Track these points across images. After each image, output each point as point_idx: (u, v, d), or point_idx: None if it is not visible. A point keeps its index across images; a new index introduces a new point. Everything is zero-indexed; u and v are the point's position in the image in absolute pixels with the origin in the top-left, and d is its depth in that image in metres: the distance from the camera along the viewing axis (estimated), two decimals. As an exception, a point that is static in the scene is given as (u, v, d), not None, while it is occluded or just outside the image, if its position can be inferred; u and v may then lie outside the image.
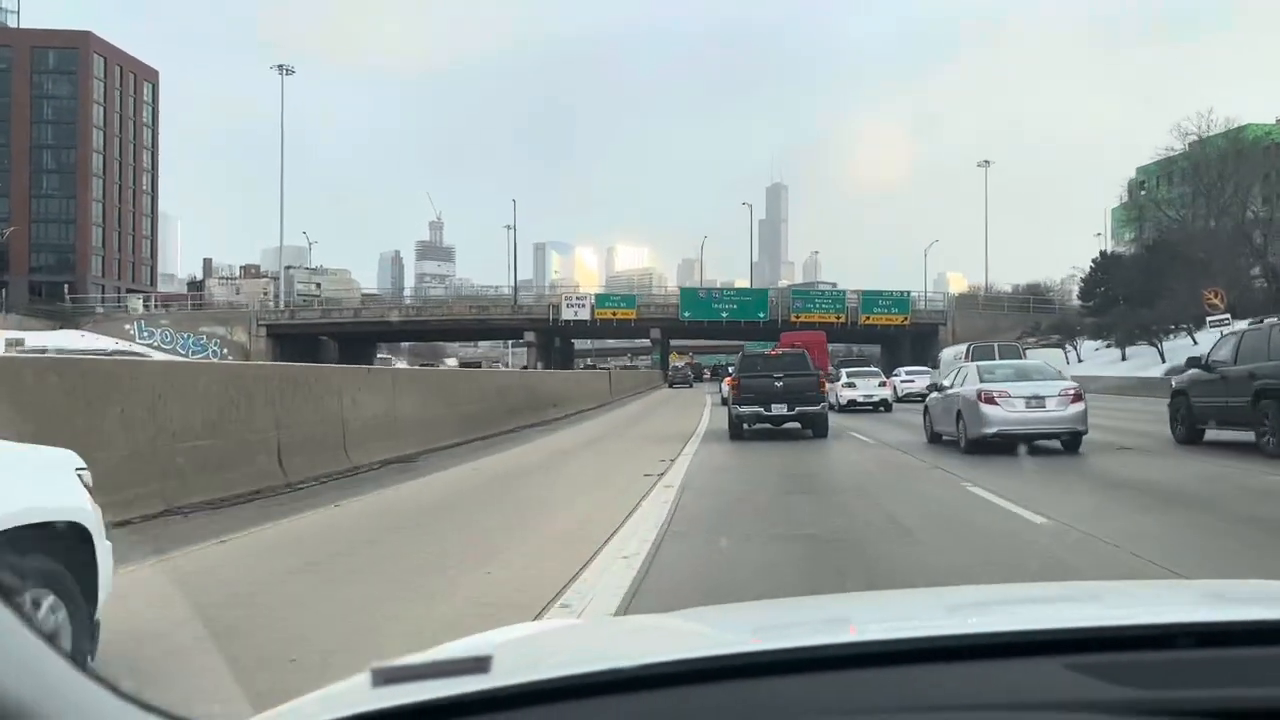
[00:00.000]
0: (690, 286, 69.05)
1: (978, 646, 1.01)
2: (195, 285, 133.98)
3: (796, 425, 16.93)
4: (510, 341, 78.97)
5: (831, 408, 29.11)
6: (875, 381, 29.69)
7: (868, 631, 1.27)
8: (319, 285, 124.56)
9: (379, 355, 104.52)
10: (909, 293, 68.12)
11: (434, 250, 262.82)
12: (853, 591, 3.93)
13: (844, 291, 67.32)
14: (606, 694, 0.94)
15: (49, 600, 2.81)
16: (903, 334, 68.05)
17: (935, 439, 16.35)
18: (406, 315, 62.75)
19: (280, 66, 77.17)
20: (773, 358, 18.27)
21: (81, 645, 2.92)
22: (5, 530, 2.67)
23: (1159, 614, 1.28)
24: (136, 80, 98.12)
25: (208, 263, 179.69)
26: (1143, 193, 76.31)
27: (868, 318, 66.24)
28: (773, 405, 16.29)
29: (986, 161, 78.15)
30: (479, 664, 0.97)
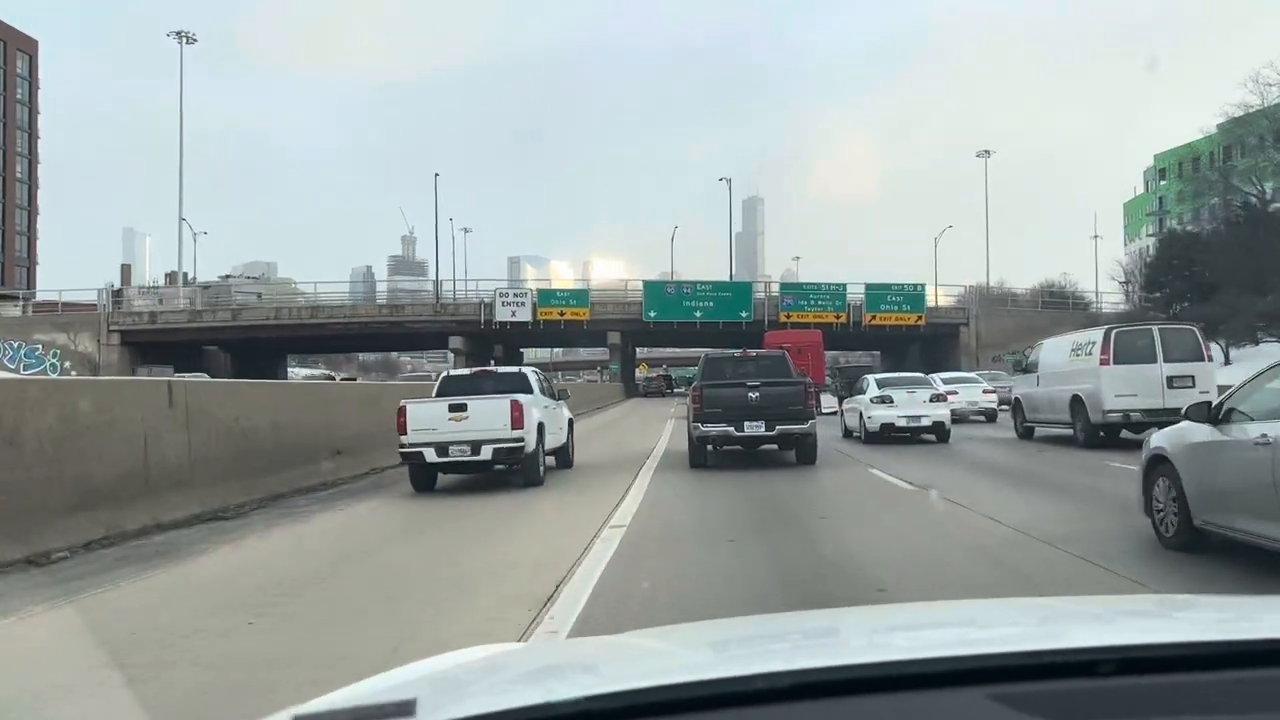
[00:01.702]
0: (656, 280, 59.09)
1: (899, 677, 1.03)
2: (114, 295, 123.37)
3: (774, 448, 14.77)
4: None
5: (850, 434, 20.60)
6: (924, 395, 20.02)
7: (794, 660, 1.25)
8: (260, 295, 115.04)
9: (291, 368, 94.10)
10: (922, 286, 58.65)
11: (407, 265, 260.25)
12: (789, 612, 3.34)
13: (844, 285, 57.66)
14: None
15: (570, 436, 14.48)
16: (911, 337, 58.62)
17: (1191, 535, 6.77)
18: (300, 319, 52.38)
19: (179, 34, 67.63)
20: (745, 361, 15.46)
21: (572, 453, 14.57)
22: (568, 420, 14.75)
23: (1085, 637, 1.32)
24: (7, 49, 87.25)
25: (126, 269, 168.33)
26: (1168, 174, 67.56)
27: (873, 317, 56.66)
28: (746, 423, 13.68)
29: (987, 151, 69.66)
30: (402, 708, 1.00)
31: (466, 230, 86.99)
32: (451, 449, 11.38)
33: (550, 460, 13.51)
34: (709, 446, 14.07)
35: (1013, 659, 1.08)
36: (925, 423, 19.31)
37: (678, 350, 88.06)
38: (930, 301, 58.97)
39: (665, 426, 25.11)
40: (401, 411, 11.53)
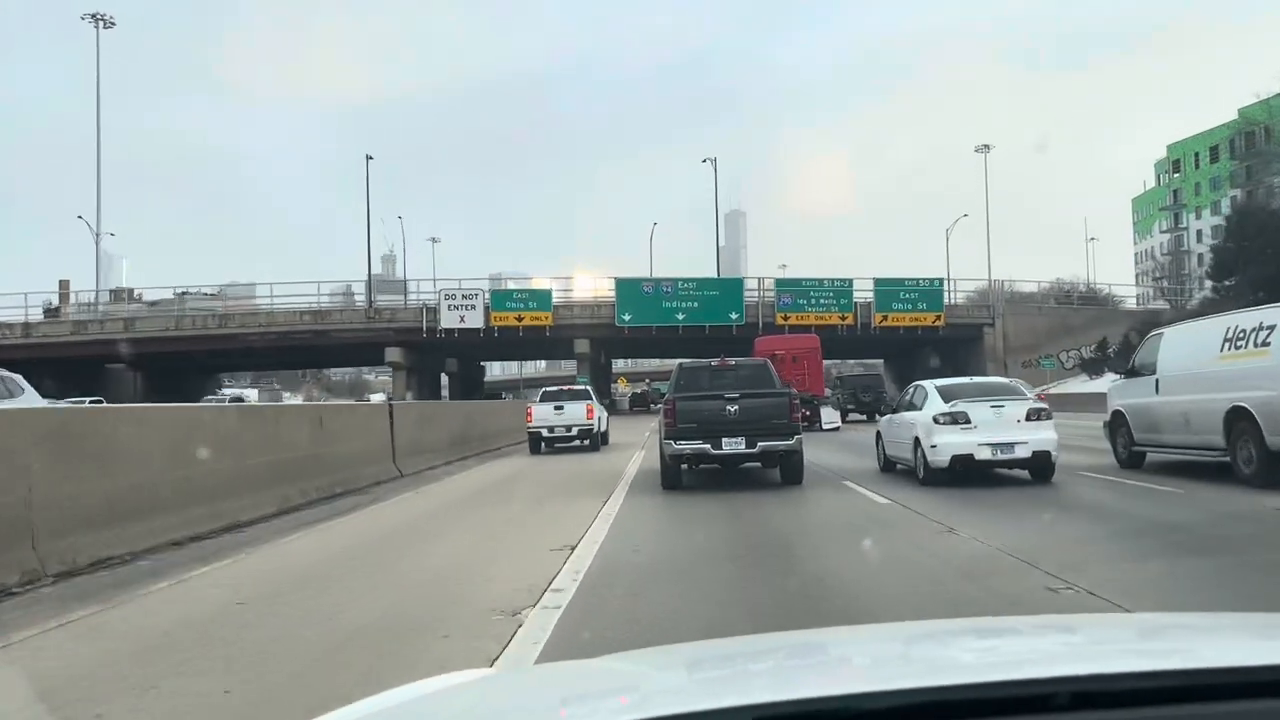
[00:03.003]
0: (631, 277, 51.86)
1: (847, 711, 1.05)
2: (51, 313, 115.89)
3: (757, 465, 13.70)
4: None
5: (892, 467, 14.85)
6: (1017, 411, 13.49)
7: (739, 693, 1.23)
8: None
9: (239, 390, 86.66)
10: (939, 281, 51.85)
11: (387, 284, 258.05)
12: (771, 633, 3.20)
13: (850, 281, 50.80)
14: None
15: (607, 425, 24.46)
16: (927, 340, 51.87)
17: None
18: (206, 329, 45.24)
19: (95, 17, 61.13)
20: (722, 370, 14.06)
21: (609, 435, 24.11)
22: (606, 416, 25.56)
23: (1040, 665, 1.34)
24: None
25: (63, 285, 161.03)
26: (1184, 165, 61.35)
27: (884, 317, 49.83)
28: (724, 440, 12.57)
29: (986, 146, 63.14)
30: None
31: (435, 240, 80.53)
32: (556, 429, 21.69)
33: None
34: (684, 465, 13.04)
35: (983, 690, 1.07)
36: (1021, 453, 12.62)
37: (663, 362, 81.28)
38: (946, 300, 52.24)
39: (632, 461, 18.37)
40: (529, 409, 22.50)
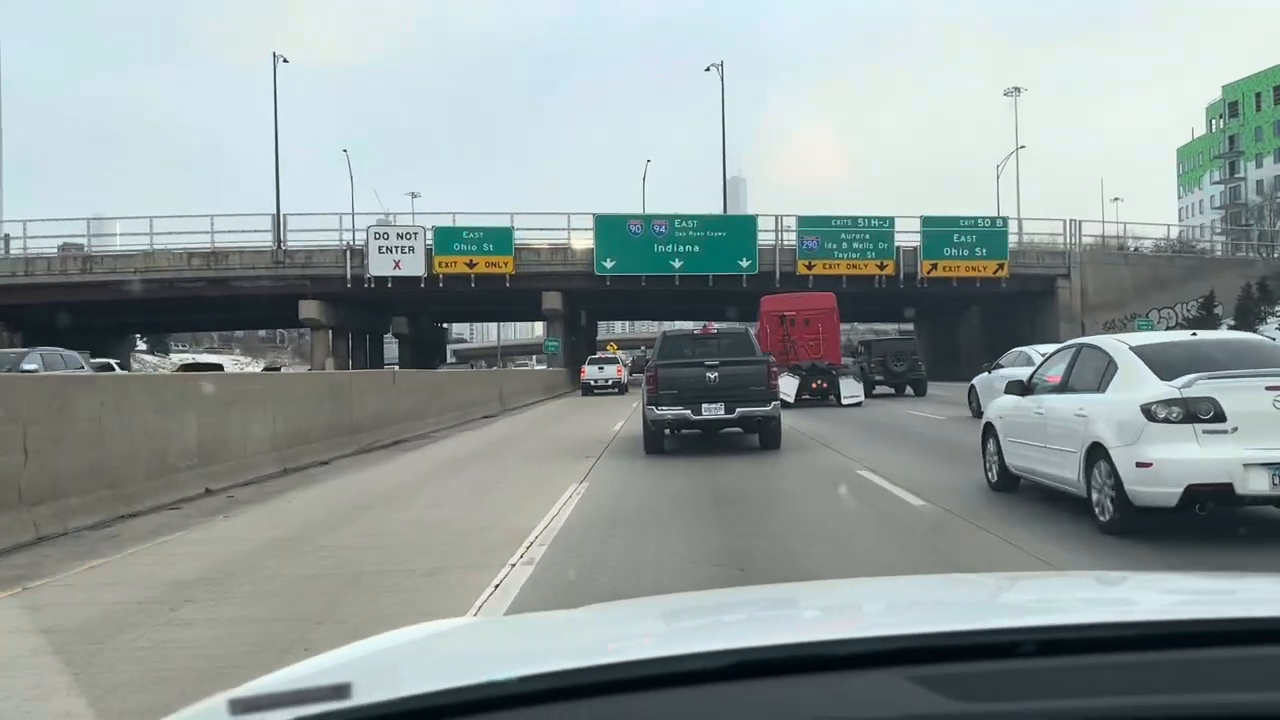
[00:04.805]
0: (614, 214, 42.43)
1: (819, 658, 1.08)
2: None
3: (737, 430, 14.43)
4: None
5: (1015, 479, 9.24)
6: None
7: (710, 640, 1.29)
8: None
9: (143, 354, 78.13)
10: (1004, 221, 42.77)
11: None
12: (720, 589, 3.61)
13: (891, 220, 41.70)
14: (477, 712, 0.97)
15: (627, 380, 38.00)
16: (987, 295, 43.02)
17: None
18: (66, 276, 36.44)
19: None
20: (704, 338, 15.24)
21: (627, 385, 37.23)
22: (626, 372, 41.06)
23: (1004, 617, 1.43)
24: None
25: (5, 240, 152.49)
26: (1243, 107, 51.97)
27: (933, 266, 40.72)
28: (704, 406, 13.44)
29: (1016, 89, 54.50)
30: (337, 691, 1.05)
31: (415, 195, 72.45)
32: (598, 381, 35.61)
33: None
34: (666, 431, 13.69)
35: (934, 639, 1.14)
36: None
37: (649, 329, 72.31)
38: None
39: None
40: (582, 368, 36.91)
